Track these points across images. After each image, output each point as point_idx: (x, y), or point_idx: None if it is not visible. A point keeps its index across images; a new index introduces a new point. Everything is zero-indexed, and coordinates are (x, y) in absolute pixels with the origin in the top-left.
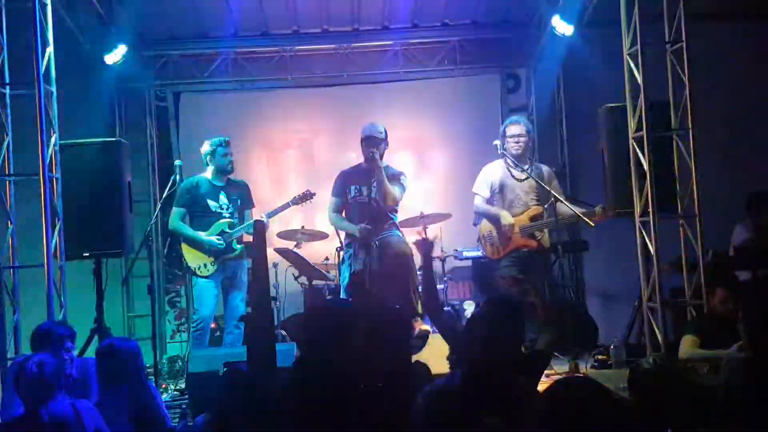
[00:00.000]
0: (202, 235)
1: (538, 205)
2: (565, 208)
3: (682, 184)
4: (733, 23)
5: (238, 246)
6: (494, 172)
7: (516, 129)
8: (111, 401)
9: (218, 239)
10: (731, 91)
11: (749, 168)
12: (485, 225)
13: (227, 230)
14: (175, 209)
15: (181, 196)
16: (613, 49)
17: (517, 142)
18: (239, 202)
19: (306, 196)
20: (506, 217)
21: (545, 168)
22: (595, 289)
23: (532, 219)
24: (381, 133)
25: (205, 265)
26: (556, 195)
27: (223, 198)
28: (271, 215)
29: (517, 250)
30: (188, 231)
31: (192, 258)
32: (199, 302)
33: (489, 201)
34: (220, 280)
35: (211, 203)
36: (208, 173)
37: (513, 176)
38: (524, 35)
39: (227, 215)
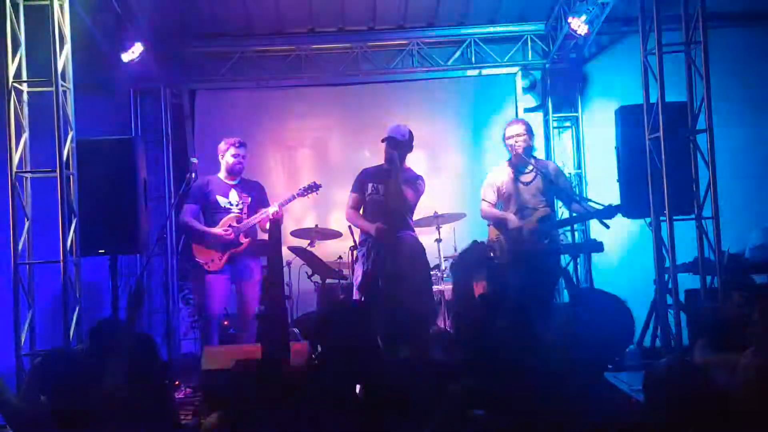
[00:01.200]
0: (210, 229)
1: (546, 206)
2: (576, 208)
3: (699, 186)
4: (753, 24)
5: (245, 239)
6: (500, 176)
7: (514, 129)
8: None
9: (225, 231)
10: (749, 93)
11: (766, 170)
12: (492, 231)
13: (235, 224)
14: (187, 206)
15: (194, 194)
16: (631, 49)
17: (516, 142)
18: (251, 200)
19: (311, 188)
20: (513, 221)
21: (551, 165)
22: (609, 290)
23: (541, 221)
24: (404, 136)
25: (212, 260)
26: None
27: (233, 195)
28: (282, 205)
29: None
30: (195, 225)
31: (200, 252)
32: (209, 297)
33: (496, 205)
34: (230, 275)
35: (221, 200)
36: (222, 172)
37: (519, 180)
38: (540, 34)
39: (236, 211)
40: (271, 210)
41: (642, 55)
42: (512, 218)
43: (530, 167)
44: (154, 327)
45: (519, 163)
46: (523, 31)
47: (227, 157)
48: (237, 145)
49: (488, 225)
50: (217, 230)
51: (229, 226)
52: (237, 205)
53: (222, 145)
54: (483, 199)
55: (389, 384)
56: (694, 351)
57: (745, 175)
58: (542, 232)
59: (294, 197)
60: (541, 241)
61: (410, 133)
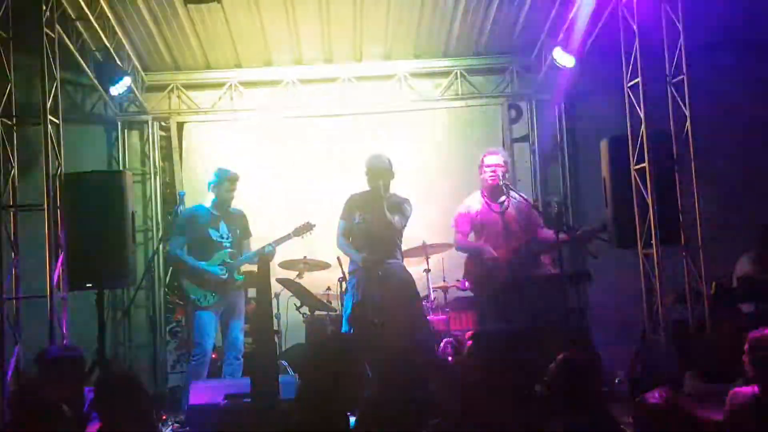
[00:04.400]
0: (204, 264)
1: (521, 235)
2: (545, 234)
3: (685, 216)
4: (735, 53)
5: (240, 276)
6: (473, 206)
7: (492, 159)
8: None
9: (221, 269)
10: (734, 122)
11: (752, 200)
12: (468, 263)
13: (229, 260)
14: (175, 238)
15: (182, 225)
16: (614, 80)
17: (494, 172)
18: (238, 231)
19: (306, 227)
20: (488, 251)
21: (524, 196)
22: (599, 319)
23: (514, 251)
24: (385, 163)
25: (205, 296)
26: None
27: (223, 227)
28: (273, 246)
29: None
30: (190, 260)
31: (193, 289)
32: (200, 334)
33: (470, 235)
34: (219, 311)
35: (213, 233)
36: (208, 202)
37: (492, 210)
38: (525, 66)
39: (228, 245)
40: (267, 249)
41: (625, 86)
42: (488, 248)
43: (504, 197)
44: (141, 360)
45: (493, 192)
46: (508, 62)
47: (222, 190)
48: (232, 179)
49: (465, 257)
50: (213, 268)
51: (223, 262)
52: (228, 239)
53: (215, 177)
54: (457, 231)
55: (381, 415)
56: (684, 382)
57: (730, 204)
58: (517, 263)
59: (290, 236)
60: (517, 271)
61: (389, 160)
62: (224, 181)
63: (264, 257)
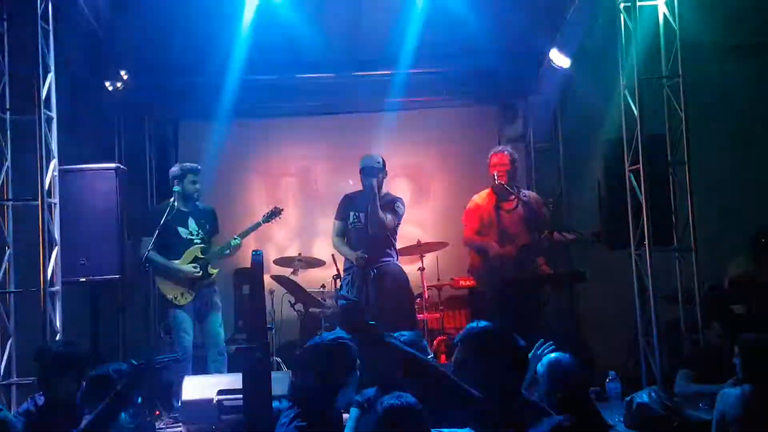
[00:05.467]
0: (177, 263)
1: (526, 235)
2: (558, 236)
3: (678, 218)
4: (732, 55)
5: (214, 271)
6: (482, 203)
7: (499, 158)
8: None
9: (194, 267)
10: (729, 124)
11: (746, 201)
12: (474, 258)
13: (201, 255)
14: (146, 238)
15: (152, 224)
16: (611, 81)
17: (499, 171)
18: (208, 227)
19: (274, 213)
20: (494, 249)
21: (533, 195)
22: (591, 320)
23: (521, 250)
24: (378, 163)
25: (182, 294)
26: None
27: (192, 224)
28: (243, 236)
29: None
30: (162, 260)
31: (168, 288)
32: (178, 332)
33: (478, 232)
34: (196, 307)
35: (182, 230)
36: (176, 199)
37: (501, 208)
38: (522, 67)
39: (198, 241)
40: (234, 243)
41: (622, 87)
42: (493, 246)
43: (512, 196)
44: (134, 356)
45: (502, 191)
46: (505, 64)
47: (185, 183)
48: (194, 171)
49: (470, 252)
50: (186, 267)
51: (195, 259)
52: (197, 235)
53: (176, 171)
54: (466, 226)
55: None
56: (675, 382)
57: (723, 206)
58: (522, 261)
59: (259, 224)
60: (522, 269)
61: (383, 159)
62: (187, 173)
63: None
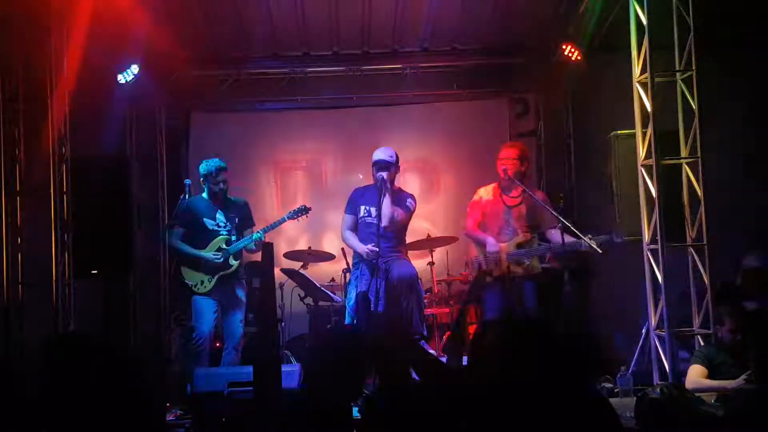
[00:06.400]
0: (200, 252)
1: (528, 231)
2: (559, 237)
3: (691, 213)
4: (746, 50)
5: (234, 261)
6: (486, 196)
7: (508, 152)
8: None
9: (215, 255)
10: (741, 120)
11: (759, 197)
12: (473, 250)
13: (224, 246)
14: (174, 229)
15: (179, 216)
16: (623, 75)
17: (507, 165)
18: (237, 220)
19: (301, 211)
20: (492, 244)
21: (540, 193)
22: (603, 315)
23: (519, 246)
24: (392, 157)
25: (202, 282)
26: (558, 222)
27: (220, 216)
28: (266, 230)
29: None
30: (186, 248)
31: (189, 275)
32: (197, 319)
33: (480, 224)
34: (218, 299)
35: (209, 222)
36: (206, 193)
37: (504, 202)
38: (533, 61)
39: (224, 233)
40: (256, 236)
41: (634, 81)
42: (491, 241)
43: (517, 191)
44: (145, 348)
45: (507, 185)
46: (516, 57)
47: (209, 182)
48: (219, 169)
49: (469, 244)
50: (207, 254)
51: (219, 249)
52: (225, 227)
53: (202, 169)
54: (468, 217)
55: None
56: (687, 377)
57: (737, 201)
58: (519, 257)
59: (284, 220)
60: (518, 265)
61: (396, 154)
62: (212, 171)
63: (266, 250)
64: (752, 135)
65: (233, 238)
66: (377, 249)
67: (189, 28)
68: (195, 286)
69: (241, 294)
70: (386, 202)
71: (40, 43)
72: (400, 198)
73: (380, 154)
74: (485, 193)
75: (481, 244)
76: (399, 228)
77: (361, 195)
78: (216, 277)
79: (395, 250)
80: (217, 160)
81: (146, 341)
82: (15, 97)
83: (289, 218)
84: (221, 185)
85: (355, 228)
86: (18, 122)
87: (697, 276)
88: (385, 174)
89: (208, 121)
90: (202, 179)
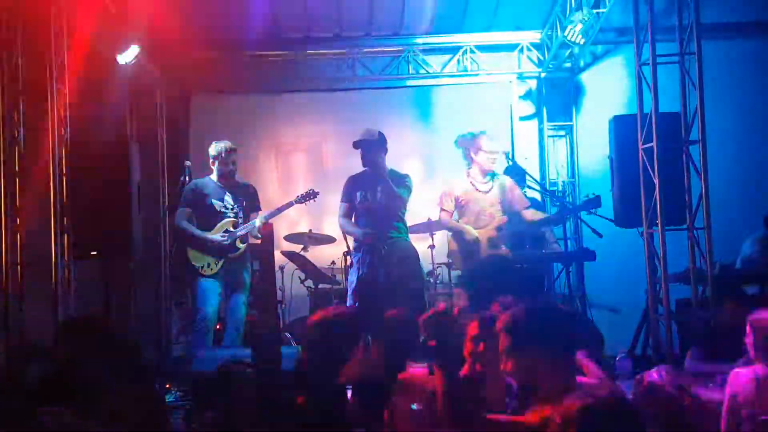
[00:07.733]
0: (206, 234)
1: (502, 215)
2: (531, 215)
3: (691, 196)
4: (747, 34)
5: (241, 245)
6: (459, 185)
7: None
8: None
9: (222, 236)
10: (742, 104)
11: (759, 181)
12: (451, 242)
13: (231, 229)
14: (179, 209)
15: (186, 197)
16: (626, 59)
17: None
18: (245, 203)
19: (309, 195)
20: (470, 232)
21: (507, 178)
22: (600, 300)
23: (498, 230)
24: (374, 135)
25: (208, 264)
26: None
27: (228, 198)
28: (271, 216)
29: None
30: (192, 230)
31: (196, 257)
32: (202, 301)
33: (453, 214)
34: (224, 281)
35: (216, 203)
36: (214, 175)
37: (477, 189)
38: (536, 43)
39: (232, 215)
40: (259, 220)
41: (636, 65)
42: (469, 229)
43: (487, 179)
44: (145, 330)
45: (483, 175)
46: (518, 39)
47: (219, 164)
48: (229, 151)
49: (448, 236)
50: (214, 236)
51: (226, 231)
52: (232, 210)
53: (212, 150)
54: (441, 209)
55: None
56: (686, 361)
57: (737, 186)
58: (500, 240)
59: (292, 204)
60: (500, 248)
61: (380, 133)
62: (222, 153)
63: (266, 232)
64: (753, 119)
65: (240, 221)
66: (374, 231)
67: (189, 10)
68: (202, 268)
69: (247, 276)
70: (387, 184)
71: (41, 25)
72: (397, 178)
73: (362, 134)
74: (457, 182)
75: (459, 234)
76: (399, 208)
77: (355, 182)
78: (223, 259)
79: (396, 231)
80: (227, 141)
81: (146, 323)
82: (15, 78)
83: (297, 202)
84: (231, 166)
85: (352, 215)
86: (18, 103)
87: (696, 259)
88: (374, 155)
89: (208, 103)
90: (212, 160)
